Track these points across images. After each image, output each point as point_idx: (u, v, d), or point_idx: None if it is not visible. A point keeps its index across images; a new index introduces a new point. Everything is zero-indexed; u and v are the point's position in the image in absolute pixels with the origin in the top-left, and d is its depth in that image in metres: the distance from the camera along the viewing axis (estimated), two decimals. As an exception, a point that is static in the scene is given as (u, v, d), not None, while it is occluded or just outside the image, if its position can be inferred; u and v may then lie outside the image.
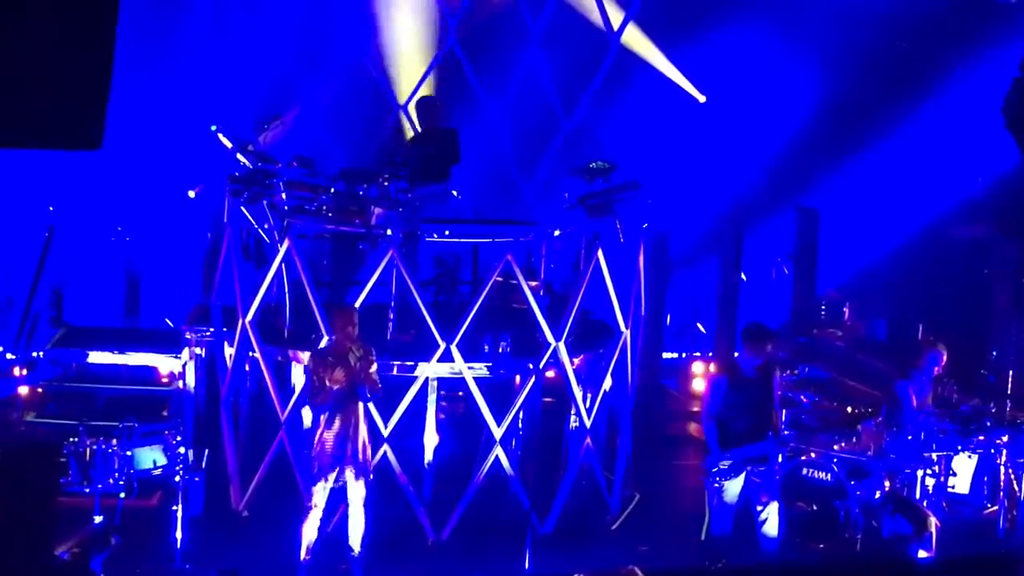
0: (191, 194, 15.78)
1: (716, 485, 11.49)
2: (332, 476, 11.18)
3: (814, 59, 17.79)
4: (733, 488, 11.48)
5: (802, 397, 14.27)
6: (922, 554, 11.50)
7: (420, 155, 13.96)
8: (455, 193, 15.01)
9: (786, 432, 12.21)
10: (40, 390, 14.33)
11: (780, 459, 11.74)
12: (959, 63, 17.20)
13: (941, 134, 17.18)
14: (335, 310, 11.62)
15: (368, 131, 17.04)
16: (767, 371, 11.58)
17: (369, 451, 11.34)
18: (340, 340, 11.23)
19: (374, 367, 11.30)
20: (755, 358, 11.55)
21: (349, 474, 11.20)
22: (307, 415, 12.85)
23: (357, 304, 12.35)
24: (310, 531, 11.26)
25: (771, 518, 11.58)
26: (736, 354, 12.10)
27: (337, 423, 11.13)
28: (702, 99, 18.09)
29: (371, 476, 11.36)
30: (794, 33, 17.65)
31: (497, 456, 12.54)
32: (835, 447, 12.82)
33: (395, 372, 12.26)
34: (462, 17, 16.89)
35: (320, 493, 11.20)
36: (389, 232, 12.62)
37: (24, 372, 14.32)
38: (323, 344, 12.02)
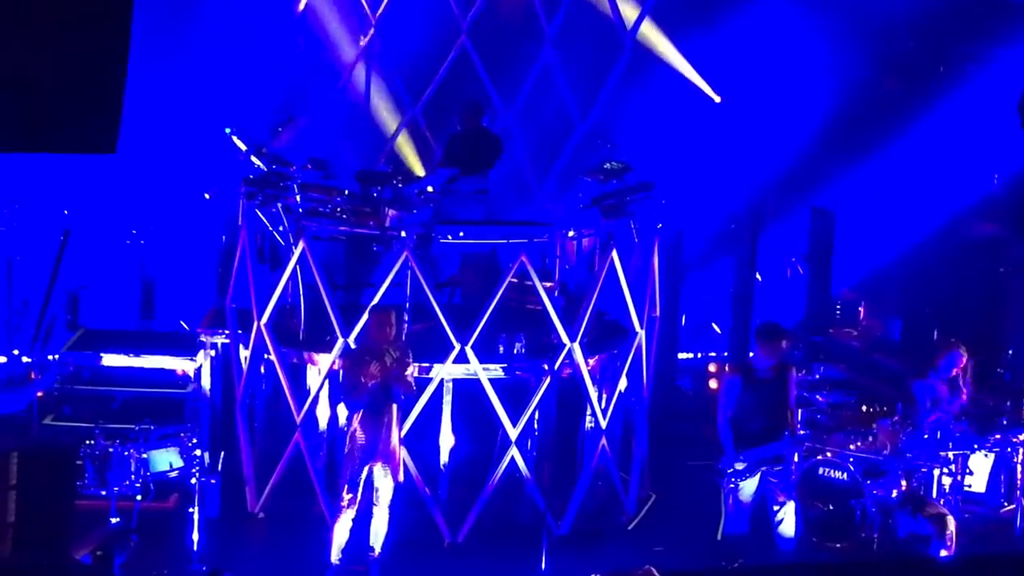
0: (206, 196, 15.81)
1: (732, 485, 11.48)
2: (364, 474, 11.19)
3: (828, 59, 17.77)
4: (748, 487, 11.47)
5: (818, 396, 14.26)
6: (942, 553, 11.50)
7: (469, 152, 14.10)
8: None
9: (802, 432, 12.17)
10: (55, 394, 14.37)
11: (796, 459, 11.71)
12: (973, 62, 17.17)
13: (956, 133, 17.15)
14: (374, 310, 11.62)
15: (382, 133, 17.04)
16: (782, 371, 11.56)
17: (400, 452, 11.34)
18: (377, 339, 11.24)
19: (410, 369, 11.31)
20: (769, 358, 11.53)
21: (378, 471, 11.21)
22: (322, 417, 12.88)
23: (371, 306, 12.38)
24: (342, 532, 11.26)
25: (787, 518, 11.57)
26: (751, 354, 12.08)
27: (370, 423, 11.14)
28: (717, 99, 18.05)
29: (400, 478, 11.35)
30: (808, 33, 17.63)
31: (513, 457, 12.54)
32: (851, 446, 12.81)
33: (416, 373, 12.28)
34: (475, 17, 16.88)
35: (353, 493, 11.21)
36: (403, 234, 12.63)
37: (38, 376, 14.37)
38: (354, 342, 12.06)
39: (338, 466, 11.80)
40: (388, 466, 11.20)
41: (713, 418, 11.74)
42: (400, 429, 11.35)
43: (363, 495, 11.27)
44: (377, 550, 11.35)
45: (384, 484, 11.25)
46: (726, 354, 18.60)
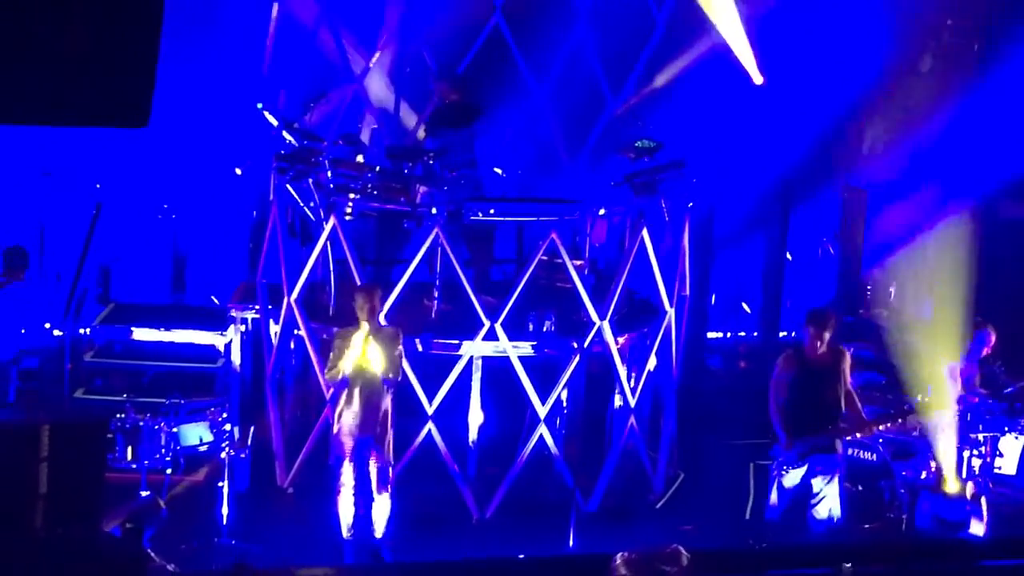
0: (237, 172, 15.83)
1: (783, 473, 11.34)
2: (351, 454, 11.22)
3: (863, 37, 17.64)
4: (794, 476, 11.33)
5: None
6: (978, 530, 11.48)
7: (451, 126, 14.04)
8: (499, 171, 15.01)
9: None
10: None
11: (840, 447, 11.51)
12: (1010, 40, 17.03)
13: (990, 112, 17.03)
14: (358, 288, 11.64)
15: (414, 109, 17.02)
16: (836, 358, 11.38)
17: (389, 434, 11.31)
18: (360, 319, 11.24)
19: (398, 350, 11.26)
20: (817, 344, 11.32)
21: (371, 459, 11.26)
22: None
23: (401, 283, 12.39)
24: (345, 509, 11.31)
25: (825, 501, 11.37)
26: (784, 333, 12.01)
27: (356, 405, 11.15)
28: (759, 80, 17.78)
29: (390, 458, 11.35)
30: (843, 9, 17.50)
31: (541, 435, 12.55)
32: (880, 427, 12.76)
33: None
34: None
35: (346, 472, 11.25)
36: (434, 210, 12.63)
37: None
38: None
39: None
40: (376, 447, 11.20)
41: (742, 396, 11.70)
42: (390, 409, 11.31)
43: (364, 472, 11.31)
44: (379, 533, 11.36)
45: (375, 468, 11.25)
46: (756, 334, 18.56)
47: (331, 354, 11.36)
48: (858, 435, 11.81)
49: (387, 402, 11.24)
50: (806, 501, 11.46)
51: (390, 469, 11.35)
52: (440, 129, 14.08)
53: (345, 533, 11.35)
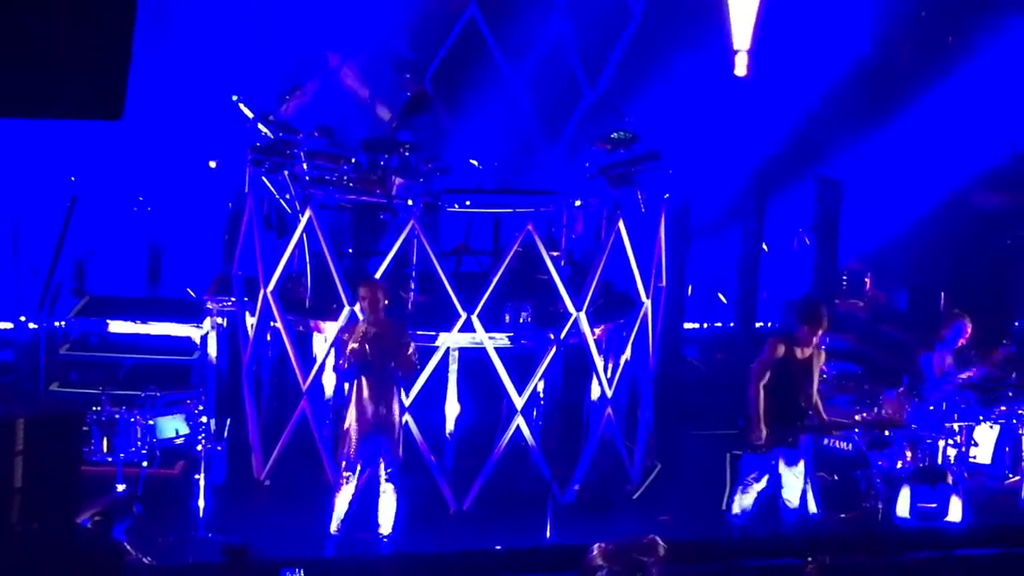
0: (212, 164, 15.78)
1: (753, 482, 11.36)
2: (357, 450, 11.20)
3: (837, 27, 17.68)
4: (764, 482, 11.34)
5: (823, 367, 14.23)
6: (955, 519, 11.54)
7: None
8: (475, 163, 14.99)
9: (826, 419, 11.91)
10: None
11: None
12: (984, 32, 17.09)
13: (965, 104, 17.08)
14: (361, 281, 11.60)
15: (391, 101, 16.99)
16: (817, 354, 11.37)
17: (400, 430, 11.30)
18: (364, 311, 11.21)
19: (411, 347, 11.25)
20: (811, 336, 11.28)
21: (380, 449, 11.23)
22: (328, 384, 12.88)
23: (378, 274, 12.36)
24: (342, 504, 11.28)
25: (791, 487, 11.38)
26: (767, 324, 12.00)
27: (368, 401, 11.11)
28: (742, 72, 17.69)
29: (399, 455, 11.34)
30: (818, 1, 17.53)
31: (518, 426, 12.55)
32: (856, 417, 12.80)
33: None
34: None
35: (351, 469, 11.21)
36: (410, 202, 12.61)
37: None
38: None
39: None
40: (387, 443, 11.19)
41: (718, 387, 11.70)
42: (400, 405, 11.32)
43: (368, 469, 11.29)
44: (386, 531, 11.35)
45: (383, 461, 11.24)
46: (732, 324, 18.59)
47: (337, 348, 11.33)
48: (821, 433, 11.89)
49: (396, 396, 11.23)
50: (775, 492, 11.49)
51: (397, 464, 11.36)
52: (410, 120, 14.11)
53: (333, 528, 11.33)
